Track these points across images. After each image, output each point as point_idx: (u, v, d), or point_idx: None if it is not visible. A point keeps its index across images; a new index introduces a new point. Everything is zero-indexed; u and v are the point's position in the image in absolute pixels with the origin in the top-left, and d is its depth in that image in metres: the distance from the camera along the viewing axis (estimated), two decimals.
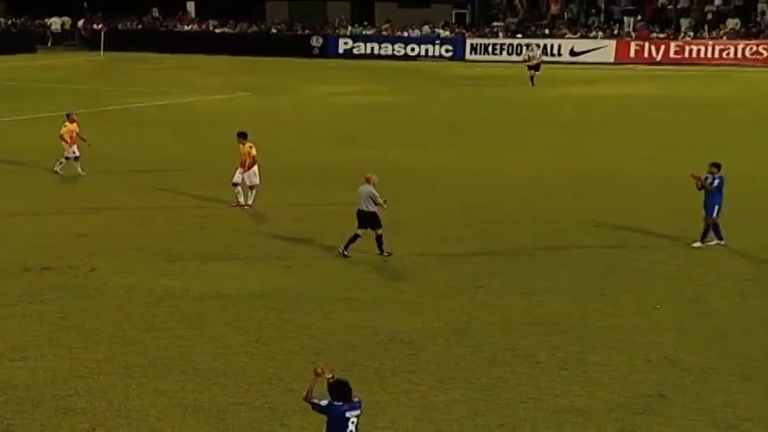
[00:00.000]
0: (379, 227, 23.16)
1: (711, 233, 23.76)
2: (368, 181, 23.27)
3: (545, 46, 63.73)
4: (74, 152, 32.09)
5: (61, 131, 32.13)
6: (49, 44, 77.59)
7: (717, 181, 23.56)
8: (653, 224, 25.64)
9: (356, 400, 12.33)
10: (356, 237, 23.19)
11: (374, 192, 23.06)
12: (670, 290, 20.99)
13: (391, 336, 18.41)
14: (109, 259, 23.15)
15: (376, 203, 23.01)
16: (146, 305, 20.15)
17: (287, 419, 14.94)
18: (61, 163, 32.15)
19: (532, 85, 53.91)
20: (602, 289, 21.03)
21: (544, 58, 58.67)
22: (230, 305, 20.09)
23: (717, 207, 23.57)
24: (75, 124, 32.35)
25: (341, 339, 18.27)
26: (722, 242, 23.75)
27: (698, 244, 23.70)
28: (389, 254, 23.25)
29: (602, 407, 15.50)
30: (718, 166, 23.75)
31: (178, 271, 22.34)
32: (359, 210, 23.16)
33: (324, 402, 12.25)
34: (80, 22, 78.46)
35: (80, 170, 32.12)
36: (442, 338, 18.30)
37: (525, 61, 55.75)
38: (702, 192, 23.71)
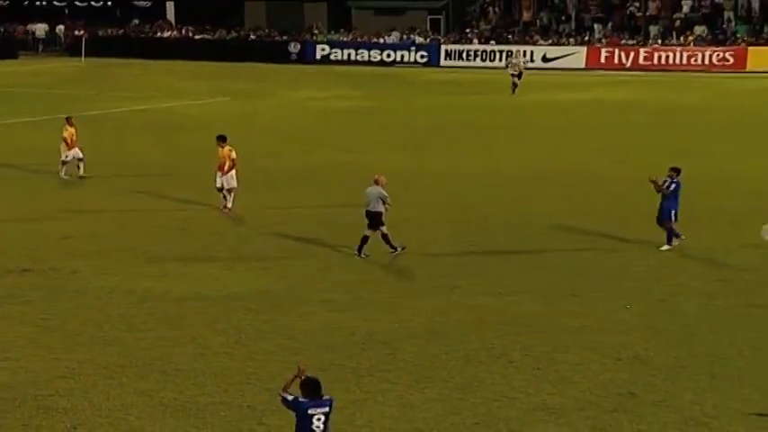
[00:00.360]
0: (382, 224, 23.15)
1: (673, 232, 23.80)
2: (377, 182, 23.30)
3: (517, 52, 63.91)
4: (66, 156, 31.92)
5: (63, 135, 32.01)
6: (40, 50, 77.12)
7: (673, 185, 23.57)
8: (624, 226, 25.68)
9: (326, 398, 12.31)
10: (366, 238, 23.22)
11: (384, 192, 23.08)
12: (640, 290, 21.04)
13: (368, 336, 18.39)
14: (90, 261, 23.05)
15: (385, 204, 23.01)
16: (126, 306, 20.07)
17: (265, 419, 14.90)
18: (79, 166, 32.00)
19: (513, 92, 52.72)
20: (574, 290, 21.06)
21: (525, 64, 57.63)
22: (210, 306, 20.03)
23: (673, 212, 23.57)
24: (73, 128, 32.23)
25: (319, 340, 18.24)
26: (682, 238, 23.73)
27: (666, 247, 23.74)
28: (404, 247, 23.33)
29: (574, 405, 15.52)
30: (677, 170, 23.77)
31: (159, 273, 22.26)
32: (367, 211, 23.17)
33: (290, 397, 12.30)
34: (58, 28, 77.91)
35: (62, 174, 31.95)
36: (418, 338, 18.29)
37: (508, 68, 54.67)
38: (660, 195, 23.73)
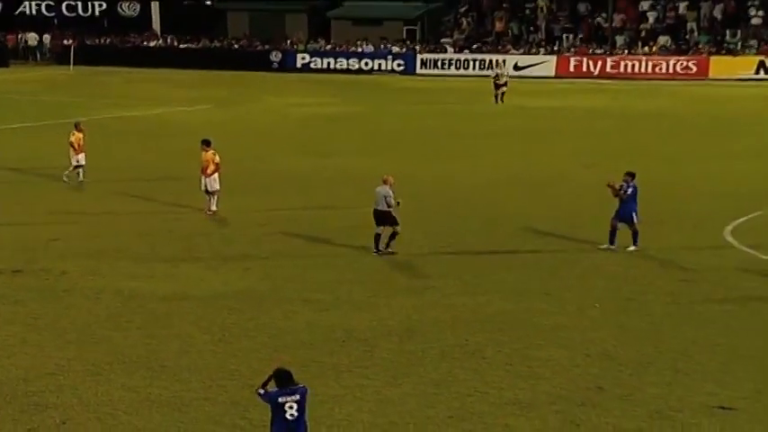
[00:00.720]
0: (396, 224, 23.27)
1: (612, 237, 23.77)
2: (385, 182, 23.40)
3: (491, 62, 64.21)
4: (77, 161, 31.75)
5: (70, 139, 31.86)
6: (30, 58, 76.80)
7: (630, 189, 23.65)
8: (593, 228, 25.65)
9: (300, 386, 12.34)
10: (378, 236, 23.32)
11: (390, 192, 23.14)
12: (609, 290, 21.08)
13: (347, 334, 18.37)
14: (79, 262, 22.95)
15: (389, 204, 23.04)
16: (114, 306, 19.99)
17: (248, 413, 14.86)
18: (79, 173, 31.83)
19: (500, 102, 51.56)
20: (546, 289, 21.09)
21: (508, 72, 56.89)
22: (195, 306, 19.97)
23: (634, 214, 23.66)
24: (81, 133, 32.05)
25: (299, 337, 18.21)
26: (613, 246, 23.74)
27: (632, 248, 23.79)
28: (394, 252, 23.37)
29: (545, 399, 15.54)
30: (632, 175, 23.87)
31: (145, 273, 22.19)
32: (375, 209, 23.24)
33: (262, 391, 12.40)
34: (44, 37, 77.61)
35: (65, 178, 31.72)
36: (395, 336, 18.29)
37: (494, 78, 54.16)
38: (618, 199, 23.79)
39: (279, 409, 12.24)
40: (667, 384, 16.10)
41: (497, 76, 53.86)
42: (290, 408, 12.21)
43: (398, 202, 23.33)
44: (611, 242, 23.82)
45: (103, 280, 21.63)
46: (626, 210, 23.60)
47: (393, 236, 23.40)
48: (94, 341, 18.05)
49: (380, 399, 15.59)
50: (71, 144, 31.73)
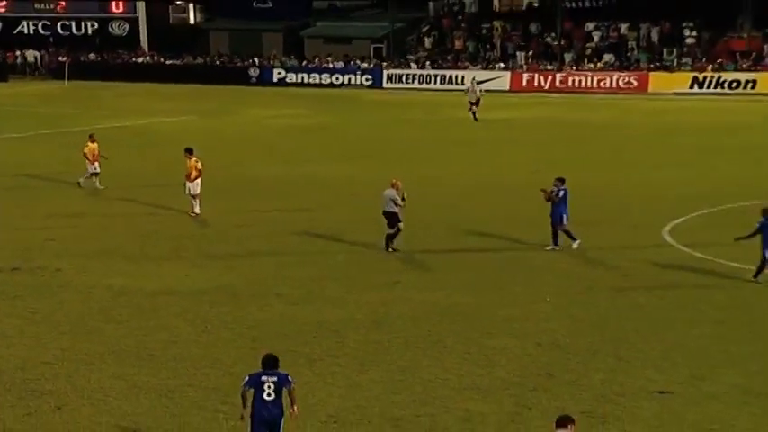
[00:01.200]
0: (395, 226, 23.21)
1: (555, 238, 23.82)
2: (393, 186, 23.33)
3: (451, 77, 64.32)
4: (94, 169, 31.50)
5: (84, 150, 31.58)
6: (27, 73, 76.28)
7: (561, 193, 23.78)
8: (542, 230, 25.70)
9: (282, 372, 12.39)
10: (396, 232, 23.30)
11: (395, 195, 23.23)
12: (558, 285, 21.14)
13: (319, 325, 18.35)
14: (73, 261, 22.82)
15: (396, 204, 23.05)
16: (105, 300, 19.89)
17: (229, 398, 14.81)
18: (86, 177, 31.52)
19: (475, 119, 51.40)
20: (501, 284, 21.14)
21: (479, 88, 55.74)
22: (180, 300, 19.90)
23: (564, 216, 23.75)
24: (95, 144, 31.76)
25: (275, 329, 18.18)
26: (557, 247, 23.78)
27: (576, 245, 23.88)
28: (395, 250, 23.35)
29: (500, 384, 15.59)
30: (562, 180, 24.01)
31: (134, 270, 22.08)
32: (383, 211, 23.23)
33: (245, 379, 12.45)
34: (35, 54, 77.06)
35: (98, 185, 31.49)
36: (364, 327, 18.29)
37: (466, 93, 53.49)
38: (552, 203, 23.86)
39: (258, 388, 12.29)
40: (611, 371, 16.18)
41: (466, 92, 53.60)
42: (268, 387, 12.24)
43: (404, 198, 23.36)
44: (555, 243, 23.90)
45: (95, 277, 21.52)
46: (556, 212, 23.75)
47: (391, 236, 23.39)
48: (87, 333, 17.96)
49: (350, 384, 15.58)
50: (84, 155, 31.50)
